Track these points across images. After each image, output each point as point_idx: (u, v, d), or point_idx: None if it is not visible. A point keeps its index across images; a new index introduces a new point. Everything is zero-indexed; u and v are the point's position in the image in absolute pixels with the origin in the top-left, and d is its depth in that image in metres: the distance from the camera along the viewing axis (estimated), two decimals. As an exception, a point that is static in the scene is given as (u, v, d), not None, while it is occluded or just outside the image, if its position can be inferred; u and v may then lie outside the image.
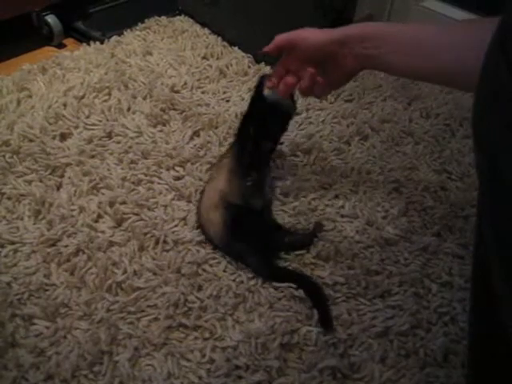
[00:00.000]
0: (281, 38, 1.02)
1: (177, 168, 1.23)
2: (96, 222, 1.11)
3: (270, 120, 1.10)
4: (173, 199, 1.16)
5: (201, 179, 1.20)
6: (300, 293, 0.99)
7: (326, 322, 0.96)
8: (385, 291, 1.02)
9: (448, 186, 1.22)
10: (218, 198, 1.07)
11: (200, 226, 1.09)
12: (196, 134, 1.32)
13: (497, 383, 0.61)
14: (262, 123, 1.10)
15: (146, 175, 1.20)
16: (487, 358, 0.61)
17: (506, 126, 0.45)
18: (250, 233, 1.05)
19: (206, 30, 1.66)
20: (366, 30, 0.96)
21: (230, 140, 1.30)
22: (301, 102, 1.43)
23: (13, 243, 1.06)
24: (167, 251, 1.07)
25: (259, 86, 1.10)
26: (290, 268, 1.05)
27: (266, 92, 1.08)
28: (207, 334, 0.94)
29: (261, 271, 1.03)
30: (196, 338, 0.94)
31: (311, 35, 1.00)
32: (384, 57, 0.94)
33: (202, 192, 1.13)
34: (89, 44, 1.59)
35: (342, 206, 1.17)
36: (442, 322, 0.98)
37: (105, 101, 1.39)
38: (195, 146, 1.28)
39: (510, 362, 0.56)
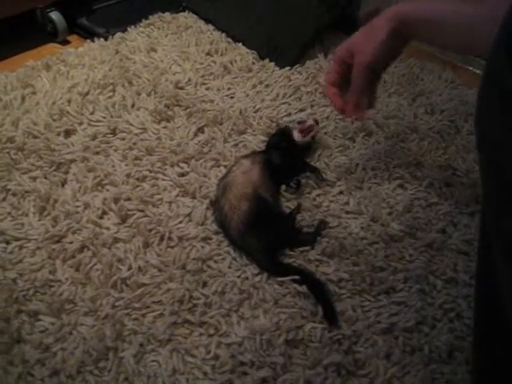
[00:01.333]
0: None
1: (181, 164, 1.23)
2: (101, 218, 1.11)
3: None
4: (177, 195, 1.16)
5: (205, 175, 1.20)
6: (304, 289, 0.99)
7: (330, 318, 0.96)
8: (390, 288, 1.02)
9: (453, 182, 1.22)
10: (251, 190, 1.09)
11: (219, 211, 1.09)
12: (200, 130, 1.32)
13: (501, 380, 0.61)
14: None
15: (150, 172, 1.21)
16: (492, 355, 0.61)
17: (508, 126, 0.45)
18: (265, 229, 1.06)
19: (210, 26, 1.66)
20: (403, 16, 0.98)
21: (235, 136, 1.30)
22: (305, 99, 1.44)
23: (18, 239, 1.07)
24: (172, 247, 1.07)
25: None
26: (295, 264, 1.05)
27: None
28: (212, 331, 0.94)
29: (265, 267, 1.03)
30: (201, 334, 0.94)
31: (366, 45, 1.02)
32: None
33: (228, 180, 1.13)
34: (93, 40, 1.59)
35: (347, 203, 1.17)
36: (447, 319, 0.98)
37: (109, 97, 1.39)
38: (199, 142, 1.28)
39: None
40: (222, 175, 1.19)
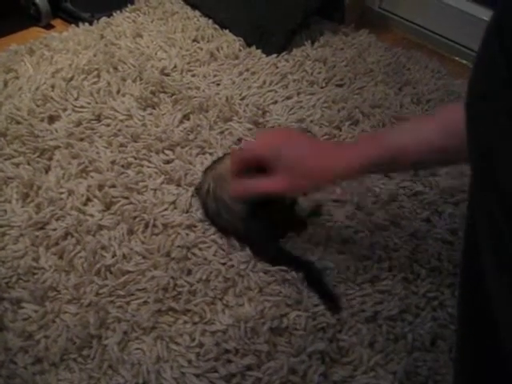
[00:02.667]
0: None
1: (166, 151, 1.22)
2: (85, 205, 1.10)
3: None
4: (162, 183, 1.16)
5: (190, 163, 1.20)
6: (291, 276, 0.99)
7: (332, 304, 0.97)
8: (374, 276, 1.02)
9: (438, 171, 1.23)
10: None
11: (215, 202, 1.06)
12: (186, 117, 1.31)
13: (484, 368, 0.62)
14: None
15: (135, 158, 1.20)
16: (477, 344, 0.61)
17: (502, 113, 0.45)
18: (269, 216, 1.05)
19: (197, 12, 1.64)
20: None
21: (220, 124, 1.29)
22: (292, 87, 1.43)
23: (1, 226, 1.05)
24: (156, 235, 1.06)
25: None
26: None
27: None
28: (197, 318, 0.94)
29: (270, 254, 1.04)
30: (185, 321, 0.94)
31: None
32: None
33: (222, 172, 1.08)
34: (77, 25, 1.56)
35: (333, 191, 1.17)
36: (431, 307, 0.99)
37: (94, 83, 1.37)
38: (185, 129, 1.27)
39: (498, 346, 0.57)
40: (208, 165, 1.16)
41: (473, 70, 0.49)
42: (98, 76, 1.39)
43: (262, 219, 1.04)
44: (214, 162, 1.14)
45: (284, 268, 1.01)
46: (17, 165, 1.17)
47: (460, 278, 0.62)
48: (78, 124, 1.26)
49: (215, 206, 1.06)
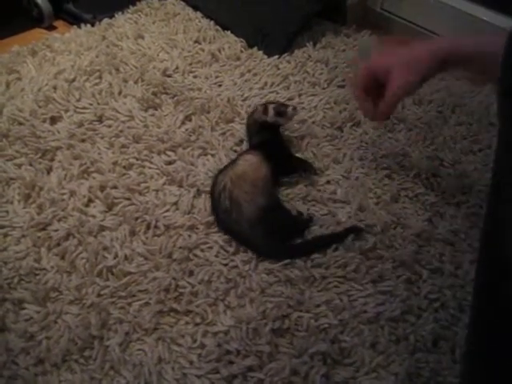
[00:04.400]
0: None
1: (168, 152, 1.22)
2: (87, 206, 1.11)
3: None
4: (164, 184, 1.16)
5: (192, 164, 1.20)
6: (294, 275, 1.00)
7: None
8: (376, 277, 1.02)
9: (440, 172, 1.23)
10: (263, 184, 1.11)
11: (229, 200, 1.08)
12: (188, 118, 1.31)
13: (496, 363, 0.61)
14: None
15: (137, 159, 1.20)
16: (489, 337, 0.61)
17: None
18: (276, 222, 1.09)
19: (199, 14, 1.64)
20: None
21: (222, 125, 1.29)
22: (293, 88, 1.43)
23: (2, 227, 1.06)
24: (158, 236, 1.06)
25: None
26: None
27: None
28: (198, 319, 0.94)
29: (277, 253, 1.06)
30: (187, 322, 0.94)
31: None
32: None
33: (237, 172, 1.11)
34: (79, 26, 1.57)
35: (335, 192, 1.17)
36: (433, 308, 0.99)
37: (96, 84, 1.37)
38: (187, 130, 1.27)
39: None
40: (222, 167, 1.16)
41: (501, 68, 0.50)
42: (100, 77, 1.39)
43: (270, 224, 1.06)
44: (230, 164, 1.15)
45: (286, 267, 1.02)
46: (19, 166, 1.17)
47: (477, 272, 0.62)
48: (80, 125, 1.26)
49: (228, 205, 1.07)
